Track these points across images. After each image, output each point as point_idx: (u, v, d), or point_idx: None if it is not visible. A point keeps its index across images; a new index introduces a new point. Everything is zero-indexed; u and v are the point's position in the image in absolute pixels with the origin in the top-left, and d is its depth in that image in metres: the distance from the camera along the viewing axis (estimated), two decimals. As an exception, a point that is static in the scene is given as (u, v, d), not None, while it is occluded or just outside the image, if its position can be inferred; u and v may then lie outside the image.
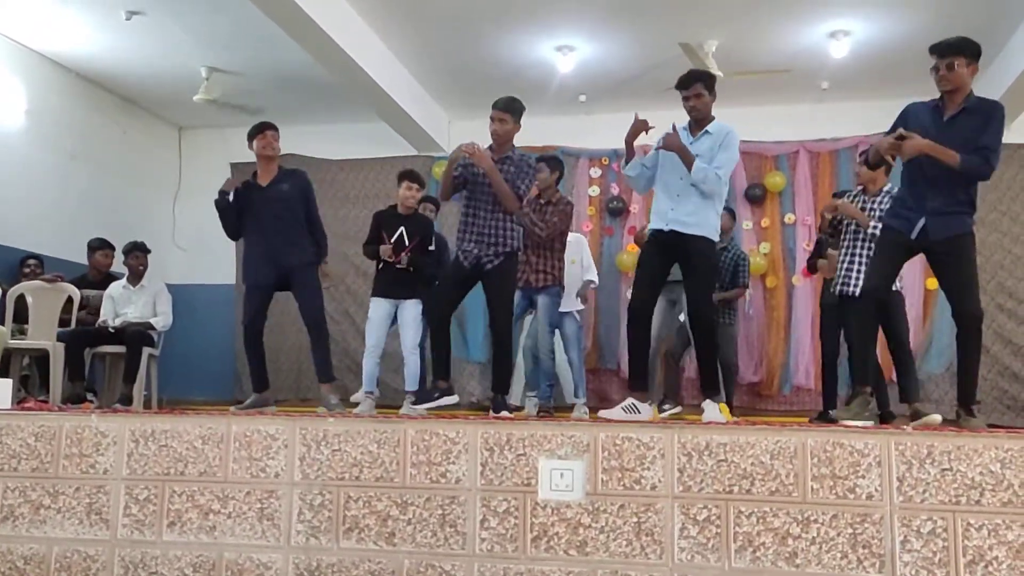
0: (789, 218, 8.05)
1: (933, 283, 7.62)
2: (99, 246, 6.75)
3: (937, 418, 4.23)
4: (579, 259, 6.25)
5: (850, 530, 2.69)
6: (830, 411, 5.25)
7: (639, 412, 4.07)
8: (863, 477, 2.71)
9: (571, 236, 6.22)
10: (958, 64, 3.75)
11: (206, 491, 3.07)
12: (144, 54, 7.44)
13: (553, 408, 5.95)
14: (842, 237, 5.18)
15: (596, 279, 6.43)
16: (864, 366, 4.02)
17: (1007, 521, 2.62)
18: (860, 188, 5.17)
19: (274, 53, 7.14)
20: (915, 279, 7.61)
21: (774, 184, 8.03)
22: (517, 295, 5.54)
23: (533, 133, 8.40)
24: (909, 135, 3.71)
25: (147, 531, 3.08)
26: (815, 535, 2.71)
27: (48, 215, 7.41)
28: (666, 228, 4.22)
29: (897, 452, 2.71)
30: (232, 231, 5.14)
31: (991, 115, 3.77)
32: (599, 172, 8.32)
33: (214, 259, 8.75)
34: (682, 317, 5.88)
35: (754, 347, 7.95)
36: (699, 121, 4.35)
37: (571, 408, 6.10)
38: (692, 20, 6.64)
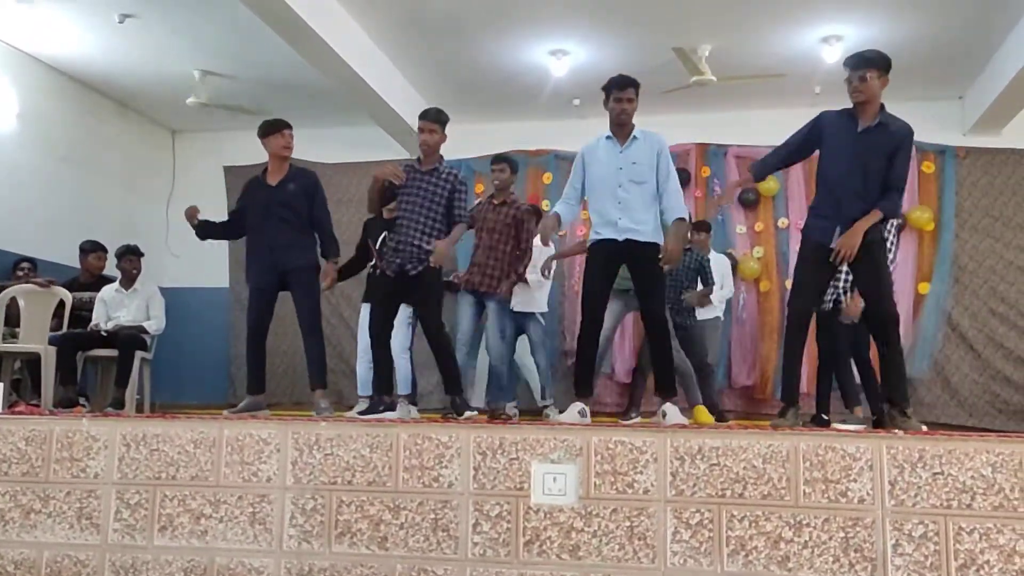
0: (783, 222, 8.07)
1: (925, 287, 7.67)
2: (91, 248, 6.72)
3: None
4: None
5: (842, 534, 2.69)
6: (823, 415, 5.29)
7: (587, 418, 4.22)
8: (855, 481, 2.72)
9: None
10: (870, 76, 3.87)
11: (198, 495, 3.06)
12: (137, 57, 7.43)
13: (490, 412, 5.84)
14: None
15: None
16: (791, 381, 4.10)
17: (998, 525, 2.63)
18: None
19: (268, 56, 7.14)
20: (907, 282, 7.64)
21: (768, 189, 8.05)
22: (469, 298, 5.62)
23: (527, 137, 8.51)
24: (841, 247, 3.82)
25: (138, 536, 3.07)
26: (807, 539, 2.71)
27: (40, 219, 7.39)
28: (620, 238, 4.27)
29: (889, 456, 2.72)
30: (231, 235, 5.15)
31: (901, 143, 3.89)
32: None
33: (207, 263, 8.72)
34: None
35: (747, 351, 7.97)
36: (623, 126, 4.39)
37: (540, 412, 6.06)
38: (686, 25, 6.66)
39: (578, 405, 4.25)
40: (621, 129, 4.39)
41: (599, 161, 4.39)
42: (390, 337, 4.75)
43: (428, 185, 4.68)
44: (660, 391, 4.39)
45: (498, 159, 5.89)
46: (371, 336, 4.70)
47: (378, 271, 5.45)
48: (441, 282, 4.91)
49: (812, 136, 4.14)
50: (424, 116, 4.79)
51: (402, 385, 5.85)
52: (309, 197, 4.94)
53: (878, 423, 5.14)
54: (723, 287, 6.70)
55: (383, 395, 4.65)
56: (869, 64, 3.90)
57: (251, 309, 4.95)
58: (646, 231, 4.27)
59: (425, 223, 4.65)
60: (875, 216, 3.83)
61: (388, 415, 4.44)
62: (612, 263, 4.39)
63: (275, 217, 4.84)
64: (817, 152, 4.19)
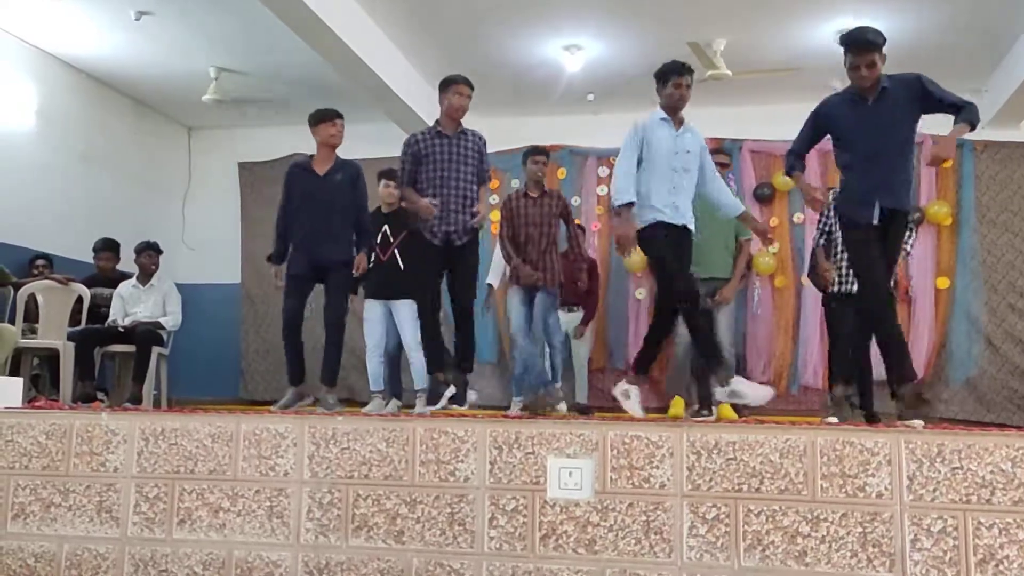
0: (798, 217, 8.02)
1: (944, 282, 7.60)
2: (101, 248, 6.74)
3: (919, 423, 4.25)
4: None
5: (860, 529, 2.68)
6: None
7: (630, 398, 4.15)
8: (873, 476, 2.70)
9: None
10: (878, 60, 3.86)
11: (216, 489, 3.08)
12: (153, 54, 7.47)
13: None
14: (834, 243, 5.28)
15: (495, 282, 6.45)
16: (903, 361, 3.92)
17: (1018, 520, 2.61)
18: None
19: (283, 53, 7.16)
20: (926, 278, 7.59)
21: (783, 183, 8.00)
22: (519, 291, 5.62)
23: (541, 132, 8.48)
24: (938, 152, 3.75)
25: (157, 529, 3.09)
26: (825, 534, 2.70)
27: (58, 215, 7.45)
28: (679, 223, 4.21)
29: (907, 451, 2.70)
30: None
31: (918, 84, 3.86)
32: (607, 171, 8.30)
33: (223, 259, 8.78)
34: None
35: (762, 347, 7.93)
36: (677, 111, 4.37)
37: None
38: (700, 19, 6.63)
39: (633, 388, 4.19)
40: (675, 114, 4.36)
41: (660, 139, 4.25)
42: (439, 309, 4.73)
43: (460, 149, 4.65)
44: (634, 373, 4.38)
45: (538, 151, 5.84)
46: (424, 313, 4.67)
47: (371, 264, 5.46)
48: (478, 260, 4.86)
49: (818, 129, 4.17)
50: (460, 80, 4.77)
51: (418, 380, 5.86)
52: (352, 187, 4.96)
53: (869, 419, 5.13)
54: None
55: (443, 375, 4.64)
56: (874, 48, 3.86)
57: (287, 298, 4.91)
58: (690, 219, 4.29)
59: (466, 189, 4.64)
60: (964, 130, 3.73)
61: (454, 406, 4.44)
62: (678, 247, 4.23)
63: (321, 207, 4.84)
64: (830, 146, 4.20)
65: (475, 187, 4.72)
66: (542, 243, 5.59)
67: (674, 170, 4.22)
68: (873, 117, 3.86)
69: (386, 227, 5.55)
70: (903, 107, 3.85)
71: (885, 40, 3.89)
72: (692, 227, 4.28)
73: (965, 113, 3.75)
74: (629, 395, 4.15)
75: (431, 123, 4.92)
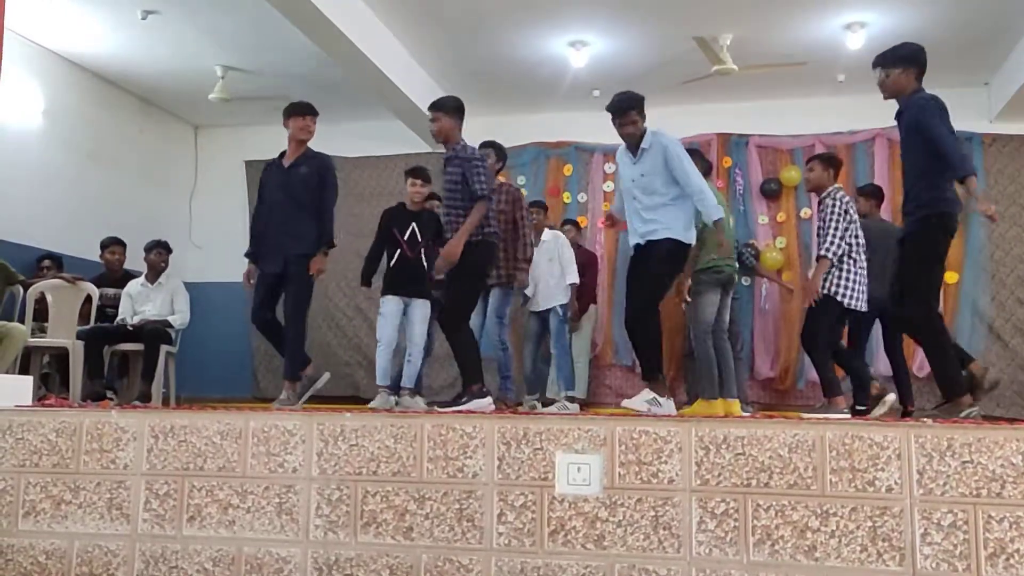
0: (805, 212, 8.01)
1: (952, 276, 7.57)
2: (108, 244, 6.78)
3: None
4: (556, 257, 6.22)
5: (869, 523, 2.67)
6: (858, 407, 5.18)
7: (660, 405, 4.31)
8: (882, 470, 2.69)
9: (548, 234, 6.22)
10: (885, 73, 4.13)
11: (225, 486, 3.09)
12: (160, 53, 7.49)
13: (515, 403, 5.85)
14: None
15: (576, 278, 6.32)
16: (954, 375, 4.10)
17: (1029, 514, 2.60)
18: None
19: (289, 51, 7.18)
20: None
21: (790, 178, 7.99)
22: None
23: (547, 128, 8.49)
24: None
25: (167, 526, 3.10)
26: (834, 528, 2.69)
27: (65, 214, 7.48)
28: (642, 242, 4.49)
29: (917, 445, 2.69)
30: None
31: (913, 117, 4.01)
32: (612, 167, 8.30)
33: (230, 257, 8.72)
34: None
35: (770, 342, 7.92)
36: (634, 138, 4.54)
37: (551, 402, 6.04)
38: (706, 13, 6.61)
39: (648, 393, 4.37)
40: (632, 143, 4.57)
41: (620, 172, 4.69)
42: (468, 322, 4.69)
43: (447, 174, 4.65)
44: (645, 375, 4.56)
45: (482, 145, 5.58)
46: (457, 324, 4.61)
47: (393, 262, 5.46)
48: (472, 280, 4.68)
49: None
50: (430, 107, 4.77)
51: (407, 379, 5.86)
52: (321, 179, 4.88)
53: (907, 413, 5.12)
54: None
55: (472, 385, 4.47)
56: (879, 62, 4.14)
57: (253, 299, 4.91)
58: (658, 229, 4.43)
59: (453, 211, 4.61)
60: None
61: (475, 404, 4.34)
62: (637, 265, 4.57)
63: (285, 199, 4.80)
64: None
65: (461, 207, 4.62)
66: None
67: (634, 197, 4.54)
68: (900, 127, 4.18)
69: (414, 224, 5.53)
70: (911, 125, 4.05)
71: (895, 58, 4.14)
72: (657, 236, 4.44)
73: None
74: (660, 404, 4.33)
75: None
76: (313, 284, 4.90)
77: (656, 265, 4.43)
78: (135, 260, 6.79)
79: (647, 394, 4.36)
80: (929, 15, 6.53)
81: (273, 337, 4.95)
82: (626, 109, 4.47)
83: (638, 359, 4.69)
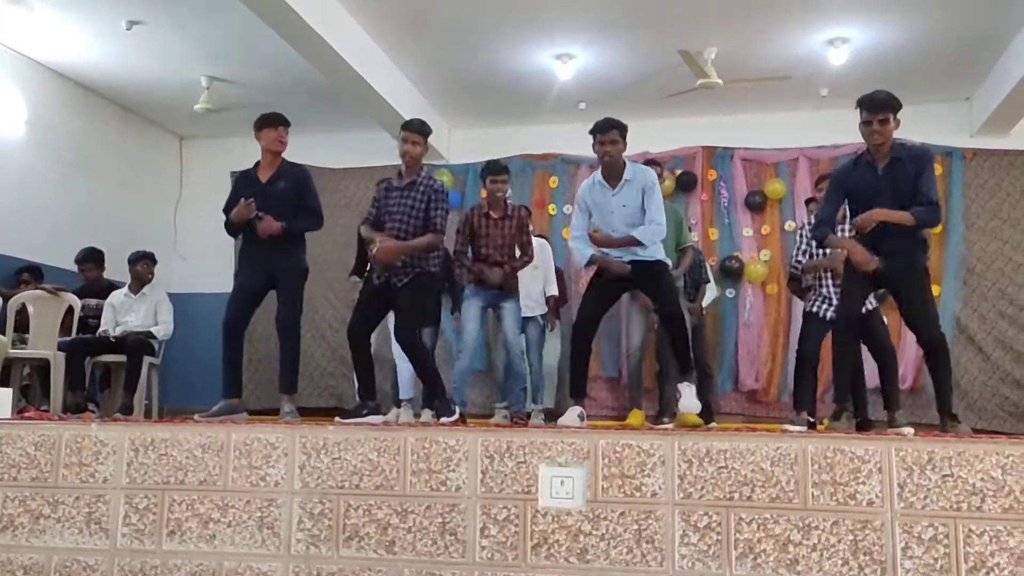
0: (789, 225, 8.05)
1: (934, 290, 7.60)
2: (83, 259, 6.61)
3: (910, 430, 4.31)
4: (542, 265, 6.25)
5: (851, 537, 2.68)
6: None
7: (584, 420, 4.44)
8: (864, 483, 2.71)
9: (535, 242, 6.23)
10: (891, 119, 4.03)
11: (206, 500, 3.07)
12: (145, 63, 7.46)
13: (526, 414, 5.83)
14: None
15: (555, 290, 6.38)
16: (844, 386, 4.62)
17: (1008, 527, 2.62)
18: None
19: (275, 62, 7.16)
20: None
21: (774, 191, 8.03)
22: (476, 301, 5.59)
23: (533, 141, 8.50)
24: (866, 219, 4.01)
25: (147, 540, 3.07)
26: (816, 542, 2.70)
27: (48, 225, 7.41)
28: (625, 259, 4.50)
29: (898, 458, 2.71)
30: (234, 234, 5.11)
31: (925, 164, 4.05)
32: (599, 179, 8.33)
33: (215, 267, 8.75)
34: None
35: (754, 354, 7.94)
36: (612, 168, 4.54)
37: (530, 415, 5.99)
38: (691, 28, 6.65)
39: (577, 408, 4.43)
40: (611, 171, 4.55)
41: (596, 205, 4.62)
42: (369, 342, 4.73)
43: (407, 200, 4.56)
44: (684, 376, 4.61)
45: (499, 170, 5.64)
46: (349, 339, 4.62)
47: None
48: (427, 295, 4.78)
49: (838, 195, 4.31)
50: (408, 127, 4.66)
51: (404, 389, 5.84)
52: (300, 194, 4.84)
53: (862, 425, 5.17)
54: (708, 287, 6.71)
55: (367, 399, 4.57)
56: (888, 108, 4.03)
57: (230, 306, 4.83)
58: (647, 253, 4.50)
59: (405, 236, 4.51)
60: (904, 218, 3.94)
61: (371, 419, 4.41)
62: (617, 284, 4.60)
63: (267, 216, 4.72)
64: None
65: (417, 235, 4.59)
66: (506, 255, 5.59)
67: (614, 230, 4.55)
68: (881, 184, 4.09)
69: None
70: (909, 177, 4.05)
71: (900, 104, 4.08)
72: (648, 258, 4.52)
73: (917, 207, 3.97)
74: (584, 417, 4.45)
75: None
76: (303, 297, 4.88)
77: (669, 281, 4.66)
78: (118, 271, 6.73)
79: (576, 409, 4.45)
80: (911, 31, 6.60)
81: (235, 351, 4.84)
82: (610, 127, 4.49)
83: (676, 356, 4.70)
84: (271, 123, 4.85)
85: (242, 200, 4.74)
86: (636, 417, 6.05)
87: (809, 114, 8.04)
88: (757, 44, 6.92)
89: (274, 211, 4.74)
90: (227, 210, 4.93)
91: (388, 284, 4.55)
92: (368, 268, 5.04)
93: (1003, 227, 7.70)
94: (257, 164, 4.95)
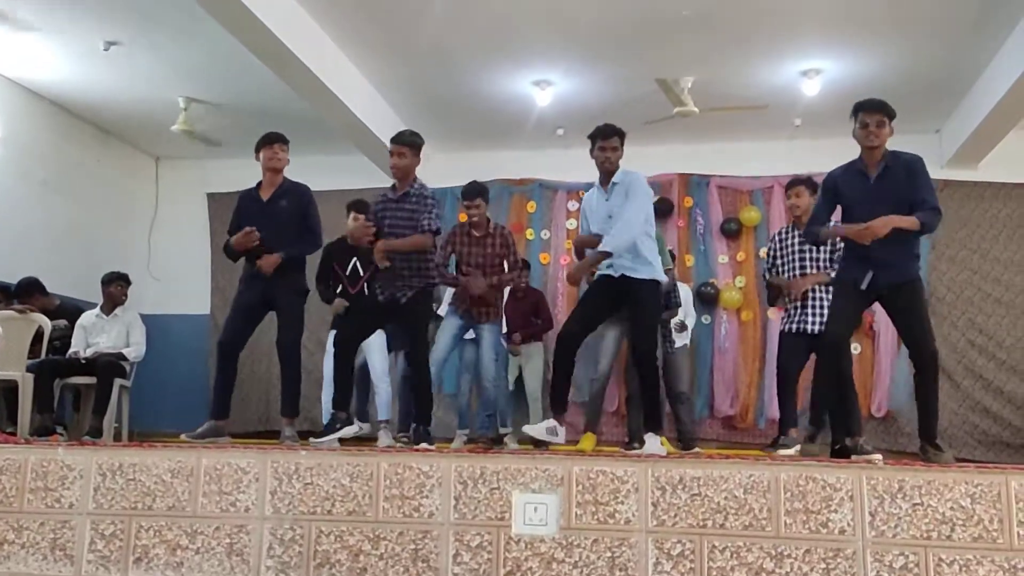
0: (763, 252, 8.13)
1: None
2: (20, 293, 6.31)
3: (878, 457, 4.26)
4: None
5: (823, 565, 2.69)
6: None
7: (558, 435, 4.38)
8: (836, 511, 2.72)
9: None
10: (887, 122, 4.01)
11: (174, 526, 3.02)
12: (121, 84, 7.43)
13: (490, 439, 5.80)
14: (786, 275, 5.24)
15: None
16: (823, 410, 4.46)
17: (978, 556, 2.63)
18: (794, 220, 5.24)
19: (253, 84, 7.16)
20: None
21: (749, 219, 8.12)
22: (454, 320, 5.58)
23: (511, 166, 8.55)
24: (881, 225, 3.83)
25: (112, 567, 3.01)
26: (788, 570, 2.70)
27: (20, 244, 7.32)
28: (616, 274, 4.41)
29: (869, 487, 2.72)
30: (235, 259, 5.03)
31: (917, 169, 4.02)
32: (576, 205, 8.37)
33: (189, 289, 8.69)
34: None
35: (729, 380, 7.98)
36: (609, 174, 4.54)
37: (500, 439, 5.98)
38: (668, 57, 6.74)
39: (550, 422, 4.39)
40: (606, 177, 4.55)
41: (593, 211, 4.62)
42: (354, 356, 4.73)
43: (401, 212, 4.61)
44: (648, 426, 4.48)
45: (472, 194, 5.58)
46: (336, 350, 4.60)
47: (356, 293, 5.45)
48: (429, 312, 4.84)
49: (829, 199, 4.21)
50: (394, 139, 4.68)
51: (382, 410, 5.80)
52: (302, 213, 4.86)
53: (840, 451, 5.13)
54: (687, 315, 6.69)
55: (339, 411, 4.54)
56: (884, 111, 4.02)
57: (227, 326, 4.81)
58: (640, 269, 4.40)
59: (408, 252, 4.57)
60: (911, 222, 3.83)
61: (346, 431, 4.42)
62: (608, 297, 4.49)
63: (269, 235, 4.71)
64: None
65: None
66: (490, 277, 5.53)
67: (609, 234, 4.50)
68: (874, 191, 3.99)
69: (356, 260, 5.52)
70: (902, 184, 3.98)
71: (894, 112, 4.07)
72: (638, 276, 4.40)
73: (922, 213, 3.88)
74: (556, 432, 4.38)
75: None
76: (303, 318, 4.88)
77: (651, 312, 4.50)
78: (91, 292, 6.63)
79: (549, 422, 4.42)
80: (882, 64, 6.73)
81: (229, 372, 4.82)
82: (612, 134, 4.47)
83: (644, 402, 4.58)
84: (267, 142, 4.89)
85: (245, 228, 4.71)
86: (588, 441, 6.02)
87: (784, 143, 8.15)
88: (733, 74, 7.02)
89: (276, 229, 4.74)
90: (231, 232, 4.91)
91: (394, 301, 4.58)
92: (339, 289, 5.01)
93: (972, 257, 7.82)
94: (259, 184, 4.96)
